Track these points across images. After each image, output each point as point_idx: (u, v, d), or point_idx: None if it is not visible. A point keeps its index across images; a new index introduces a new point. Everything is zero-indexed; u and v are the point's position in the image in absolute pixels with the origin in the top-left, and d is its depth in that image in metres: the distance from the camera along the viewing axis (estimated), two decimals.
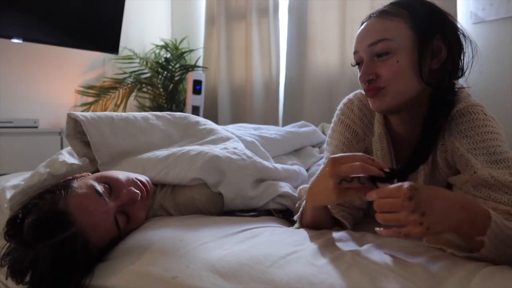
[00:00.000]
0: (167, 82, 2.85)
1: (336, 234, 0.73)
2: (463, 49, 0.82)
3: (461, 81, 0.85)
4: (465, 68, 0.82)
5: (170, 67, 2.84)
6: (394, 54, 0.78)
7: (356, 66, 0.86)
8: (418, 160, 0.80)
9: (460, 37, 0.81)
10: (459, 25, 0.82)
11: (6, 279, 0.73)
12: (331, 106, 2.38)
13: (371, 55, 0.80)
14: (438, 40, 0.79)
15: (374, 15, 0.82)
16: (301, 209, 0.85)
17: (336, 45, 2.35)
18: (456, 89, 0.83)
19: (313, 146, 1.50)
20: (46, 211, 0.73)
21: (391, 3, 0.82)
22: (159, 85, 2.87)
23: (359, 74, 0.83)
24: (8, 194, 0.98)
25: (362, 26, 0.84)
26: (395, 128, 0.89)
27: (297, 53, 2.49)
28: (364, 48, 0.81)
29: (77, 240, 0.72)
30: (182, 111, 2.83)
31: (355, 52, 0.84)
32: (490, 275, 0.58)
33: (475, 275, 0.57)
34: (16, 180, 1.13)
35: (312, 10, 2.42)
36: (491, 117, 0.79)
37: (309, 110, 2.41)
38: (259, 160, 1.02)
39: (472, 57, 0.82)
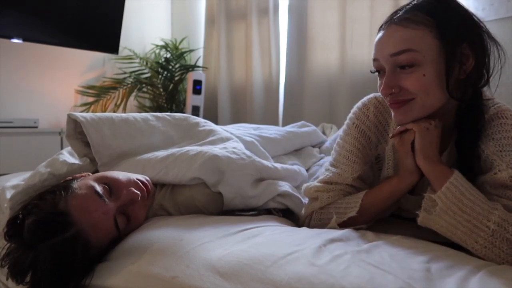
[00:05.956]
0: (167, 82, 2.85)
1: (336, 234, 0.73)
2: (489, 54, 0.77)
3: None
4: (490, 75, 0.78)
5: (170, 67, 2.84)
6: (419, 66, 0.73)
7: (376, 73, 0.81)
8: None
9: (485, 41, 0.76)
10: (483, 26, 0.77)
11: (7, 279, 0.73)
12: (331, 106, 2.38)
13: (393, 65, 0.76)
14: (465, 48, 0.74)
15: (395, 21, 0.76)
16: (355, 209, 0.82)
17: (336, 45, 2.35)
18: (483, 100, 0.80)
19: (313, 146, 1.49)
20: (46, 212, 0.73)
21: (413, 8, 0.76)
22: (159, 85, 2.87)
23: (378, 82, 0.80)
24: (8, 194, 0.98)
25: (382, 33, 0.78)
26: None
27: (297, 53, 2.49)
28: (386, 57, 0.76)
29: (77, 240, 0.71)
30: (182, 111, 2.83)
31: (375, 60, 0.79)
32: (490, 275, 0.58)
33: (475, 275, 0.58)
34: (16, 180, 1.13)
35: (312, 10, 2.42)
36: None
37: (309, 110, 2.42)
38: (259, 159, 1.01)
39: (504, 61, 0.77)
